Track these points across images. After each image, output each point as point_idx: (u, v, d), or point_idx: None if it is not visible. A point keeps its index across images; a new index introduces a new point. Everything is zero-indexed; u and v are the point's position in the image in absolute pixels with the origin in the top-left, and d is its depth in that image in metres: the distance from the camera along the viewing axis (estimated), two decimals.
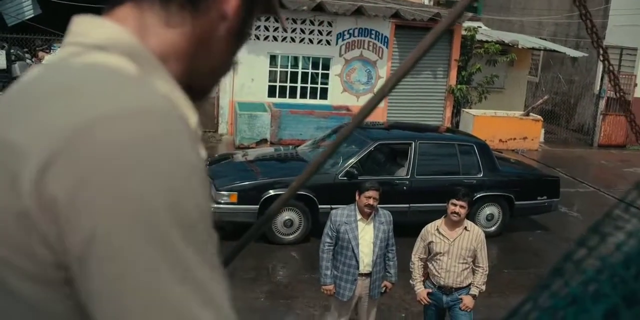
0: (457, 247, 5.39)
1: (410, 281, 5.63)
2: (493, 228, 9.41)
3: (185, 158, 0.74)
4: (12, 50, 14.98)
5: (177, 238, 0.71)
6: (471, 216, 9.17)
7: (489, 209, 9.39)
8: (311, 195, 8.35)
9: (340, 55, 15.31)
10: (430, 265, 5.54)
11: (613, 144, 17.40)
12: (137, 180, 0.70)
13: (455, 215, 5.40)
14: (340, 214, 5.50)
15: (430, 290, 5.52)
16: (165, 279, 0.70)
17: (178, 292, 0.70)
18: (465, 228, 5.47)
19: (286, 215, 8.46)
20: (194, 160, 0.75)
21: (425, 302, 5.54)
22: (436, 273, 5.47)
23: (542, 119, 16.47)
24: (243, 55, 14.69)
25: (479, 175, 9.25)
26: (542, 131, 16.71)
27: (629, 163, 15.60)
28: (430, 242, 5.47)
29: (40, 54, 16.34)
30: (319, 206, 8.37)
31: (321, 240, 5.58)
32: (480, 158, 9.29)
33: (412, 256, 5.59)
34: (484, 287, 5.52)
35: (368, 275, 5.47)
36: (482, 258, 5.47)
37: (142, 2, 0.86)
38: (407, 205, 8.85)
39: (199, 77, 0.93)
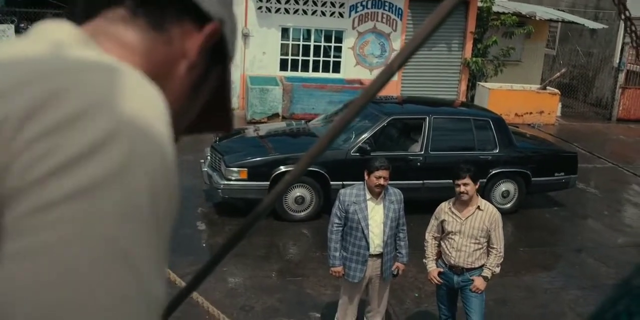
0: (468, 227, 5.21)
1: (424, 260, 5.49)
2: (509, 205, 9.24)
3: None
4: (21, 25, 14.82)
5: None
6: (486, 193, 9.02)
7: (505, 186, 9.20)
8: (322, 172, 8.21)
9: (354, 27, 15.04)
10: (442, 244, 5.39)
11: (632, 118, 17.07)
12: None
13: (464, 194, 5.18)
14: (349, 193, 5.30)
15: (442, 270, 5.37)
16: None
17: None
18: (479, 207, 5.25)
19: (297, 191, 8.33)
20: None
21: (436, 282, 5.41)
22: (447, 252, 5.32)
23: (559, 92, 16.14)
24: (254, 28, 14.49)
25: (494, 151, 9.05)
26: (559, 105, 16.40)
27: None
28: (443, 221, 5.32)
29: None
30: (331, 182, 8.22)
31: (329, 221, 5.40)
32: (496, 133, 9.08)
33: (426, 234, 5.47)
34: (497, 269, 5.29)
35: (379, 256, 5.31)
36: (497, 239, 5.25)
37: (113, 16, 0.87)
38: (421, 181, 8.69)
39: None
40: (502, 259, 5.31)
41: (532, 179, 9.21)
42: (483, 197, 8.85)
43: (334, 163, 8.09)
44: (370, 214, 5.24)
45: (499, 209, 8.93)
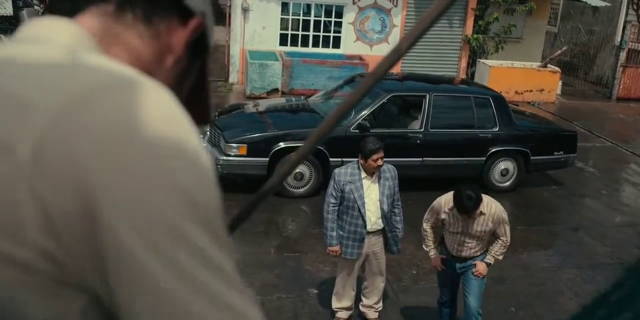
0: (471, 229, 5.00)
1: (424, 246, 5.36)
2: (507, 183, 9.26)
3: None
4: None
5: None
6: (485, 171, 9.03)
7: (504, 164, 9.20)
8: (322, 149, 8.19)
9: (354, 2, 14.89)
10: (444, 234, 5.23)
11: (632, 97, 17.01)
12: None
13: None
14: (343, 173, 5.26)
15: (444, 257, 5.27)
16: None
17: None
18: (481, 212, 4.91)
19: (297, 168, 8.31)
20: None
21: (440, 269, 5.31)
22: (449, 245, 5.19)
23: (560, 70, 16.06)
24: (254, 2, 14.36)
25: (494, 129, 9.03)
26: (560, 83, 16.33)
27: None
28: (443, 219, 5.10)
29: None
30: (330, 159, 8.21)
31: (325, 201, 5.37)
32: (496, 111, 9.05)
33: (423, 224, 5.25)
34: (501, 257, 5.16)
35: (375, 233, 5.31)
36: (505, 232, 5.03)
37: (101, 11, 0.88)
38: (421, 159, 8.68)
39: None
40: (506, 249, 5.15)
41: (531, 157, 9.21)
42: (482, 177, 8.97)
43: (333, 140, 8.07)
44: (366, 192, 5.22)
45: (497, 187, 9.09)
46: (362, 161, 5.19)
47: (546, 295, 6.32)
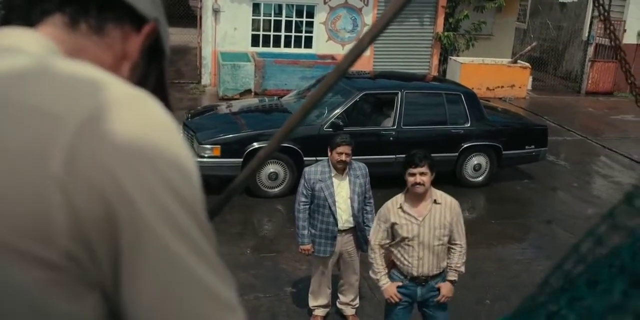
0: (428, 227, 4.34)
1: (371, 274, 4.61)
2: (480, 178, 9.36)
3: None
4: None
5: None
6: (458, 166, 9.11)
7: (477, 159, 9.29)
8: (296, 148, 8.21)
9: (325, 2, 14.92)
10: (396, 251, 4.47)
11: (600, 91, 17.27)
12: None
13: (419, 186, 4.31)
14: (313, 171, 5.28)
15: (400, 283, 4.49)
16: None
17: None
18: (435, 201, 4.38)
19: (271, 168, 8.33)
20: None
21: (396, 300, 4.47)
22: (406, 262, 4.42)
23: (530, 66, 16.26)
24: (225, 3, 14.32)
25: (466, 125, 9.12)
26: (530, 79, 16.53)
27: (616, 110, 15.51)
28: (394, 224, 4.41)
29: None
30: (304, 158, 8.23)
31: (296, 200, 5.39)
32: (467, 107, 9.15)
33: (371, 241, 4.56)
34: (463, 269, 4.52)
35: (347, 231, 5.33)
36: (460, 234, 4.44)
37: (57, 22, 0.90)
38: (394, 156, 8.72)
39: None
40: (465, 256, 4.54)
41: (503, 152, 9.31)
42: (455, 172, 9.04)
43: (307, 139, 8.09)
44: (337, 190, 5.24)
45: (470, 182, 9.17)
46: (329, 153, 5.25)
47: (521, 288, 6.40)
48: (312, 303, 5.62)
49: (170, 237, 0.74)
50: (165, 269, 0.74)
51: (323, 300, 5.59)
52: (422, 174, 4.33)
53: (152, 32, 0.98)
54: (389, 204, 4.51)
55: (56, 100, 0.75)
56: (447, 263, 4.49)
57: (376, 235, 4.54)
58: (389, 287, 4.48)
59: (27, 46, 0.84)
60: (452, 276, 4.50)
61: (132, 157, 0.73)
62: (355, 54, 1.00)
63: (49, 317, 0.74)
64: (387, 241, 4.51)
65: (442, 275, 4.50)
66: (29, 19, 0.90)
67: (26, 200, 0.71)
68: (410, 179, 4.34)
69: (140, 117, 0.76)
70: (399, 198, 4.47)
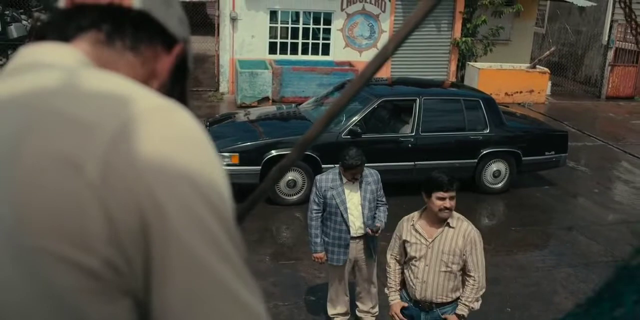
0: (437, 251, 4.15)
1: (385, 289, 4.59)
2: (500, 184, 9.28)
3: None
4: (6, 12, 14.60)
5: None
6: (478, 173, 9.05)
7: (496, 166, 9.23)
8: (314, 155, 8.20)
9: (342, 9, 14.94)
10: (405, 270, 4.34)
11: (621, 95, 17.11)
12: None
13: (445, 211, 4.12)
14: (325, 179, 5.27)
15: (406, 304, 4.37)
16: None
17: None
18: (448, 224, 4.16)
19: (289, 175, 8.33)
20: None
21: (398, 319, 4.39)
22: (411, 284, 4.28)
23: (548, 71, 16.14)
24: (242, 11, 14.38)
25: (485, 131, 9.06)
26: (549, 84, 16.41)
27: (637, 115, 15.36)
28: (405, 241, 4.29)
29: (36, 14, 15.93)
30: (322, 166, 8.20)
31: (308, 208, 5.38)
32: (486, 113, 9.09)
33: (387, 254, 4.50)
34: (477, 305, 4.22)
35: (361, 237, 5.30)
36: (475, 264, 4.14)
37: (92, 39, 0.92)
38: (413, 163, 8.70)
39: None
40: (482, 291, 4.23)
41: (523, 158, 9.24)
42: (474, 179, 8.98)
43: (325, 146, 8.08)
44: (348, 197, 5.22)
45: (490, 189, 9.11)
46: (341, 169, 5.23)
47: (541, 295, 6.33)
48: (330, 311, 5.60)
49: (201, 249, 0.77)
50: (195, 278, 0.76)
51: (342, 309, 5.56)
52: (451, 198, 4.15)
53: (181, 53, 1.00)
54: (405, 219, 4.41)
55: (90, 111, 0.77)
56: (460, 295, 4.26)
57: (392, 249, 4.50)
58: (394, 306, 4.43)
59: (63, 60, 0.86)
60: (461, 310, 4.21)
61: (165, 170, 0.76)
62: (380, 61, 0.99)
63: None
64: (400, 257, 4.43)
65: (452, 305, 4.24)
66: (65, 35, 0.92)
67: (65, 206, 0.73)
68: (439, 203, 4.12)
69: (172, 129, 0.78)
70: (415, 215, 4.34)
